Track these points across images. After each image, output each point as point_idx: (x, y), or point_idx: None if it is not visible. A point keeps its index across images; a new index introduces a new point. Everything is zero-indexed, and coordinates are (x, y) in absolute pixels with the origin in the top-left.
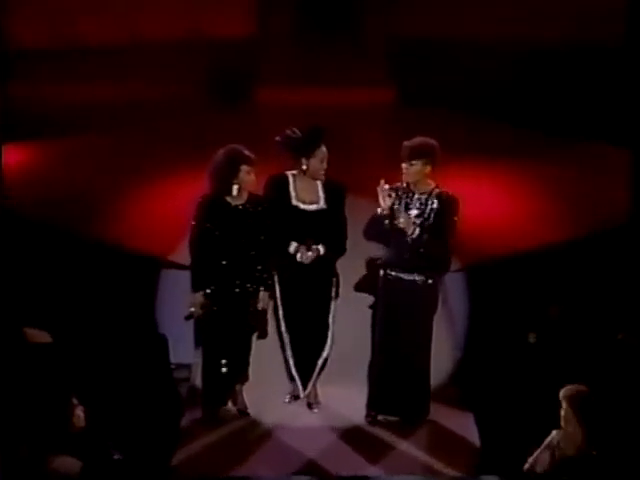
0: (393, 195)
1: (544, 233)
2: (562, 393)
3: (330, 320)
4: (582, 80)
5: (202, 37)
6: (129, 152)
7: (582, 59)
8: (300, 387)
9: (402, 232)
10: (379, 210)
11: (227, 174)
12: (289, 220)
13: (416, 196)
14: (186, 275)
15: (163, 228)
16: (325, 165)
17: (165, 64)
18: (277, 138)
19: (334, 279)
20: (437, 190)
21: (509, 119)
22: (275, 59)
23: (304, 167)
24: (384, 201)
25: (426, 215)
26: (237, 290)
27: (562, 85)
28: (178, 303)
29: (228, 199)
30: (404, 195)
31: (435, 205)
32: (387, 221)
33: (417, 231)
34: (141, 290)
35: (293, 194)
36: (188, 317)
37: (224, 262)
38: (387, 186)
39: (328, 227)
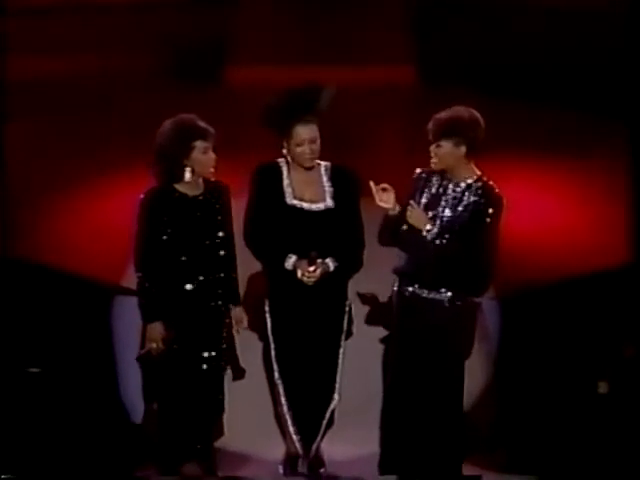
0: (390, 189)
1: (610, 249)
2: None
3: (340, 360)
4: None
5: None
6: (63, 145)
7: None
8: (300, 451)
9: (419, 233)
10: (389, 210)
11: (176, 153)
12: (284, 225)
13: (451, 186)
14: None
15: (112, 244)
16: (312, 147)
17: (108, 30)
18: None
19: (347, 305)
20: (480, 182)
21: (558, 101)
22: (257, 27)
23: (284, 151)
24: (382, 200)
25: (458, 212)
26: (203, 310)
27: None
28: (135, 339)
29: (181, 188)
30: (437, 182)
31: (472, 200)
32: (398, 216)
33: (435, 231)
34: (84, 324)
35: (288, 190)
36: (142, 357)
37: (185, 275)
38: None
39: (338, 233)
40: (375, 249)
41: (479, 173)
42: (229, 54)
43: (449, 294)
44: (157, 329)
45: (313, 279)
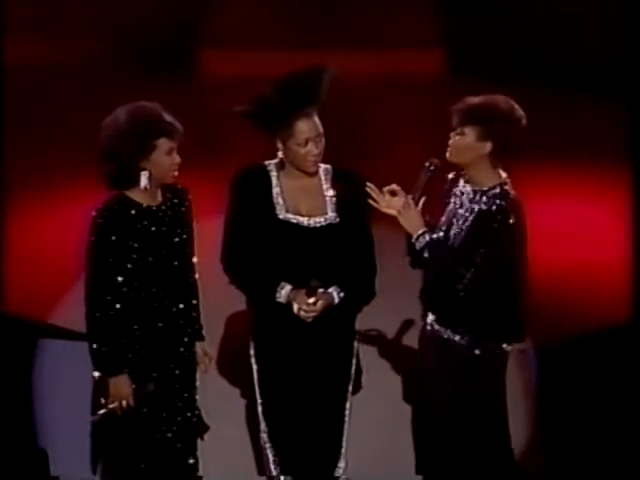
0: (400, 192)
1: None
2: None
3: (346, 417)
4: None
5: None
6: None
7: None
8: None
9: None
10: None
11: (132, 152)
12: (275, 245)
13: (467, 190)
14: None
15: (39, 273)
16: (318, 146)
17: (56, 12)
18: (237, 108)
19: (355, 346)
20: (497, 189)
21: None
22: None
23: (280, 154)
24: (390, 205)
25: (462, 222)
26: (175, 349)
27: None
28: (67, 387)
29: (139, 199)
30: (455, 189)
31: (479, 208)
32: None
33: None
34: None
35: (279, 200)
36: (99, 419)
37: (155, 309)
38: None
39: (344, 254)
40: (389, 274)
41: (502, 178)
42: (204, 36)
43: (466, 337)
44: (125, 383)
45: (313, 314)
